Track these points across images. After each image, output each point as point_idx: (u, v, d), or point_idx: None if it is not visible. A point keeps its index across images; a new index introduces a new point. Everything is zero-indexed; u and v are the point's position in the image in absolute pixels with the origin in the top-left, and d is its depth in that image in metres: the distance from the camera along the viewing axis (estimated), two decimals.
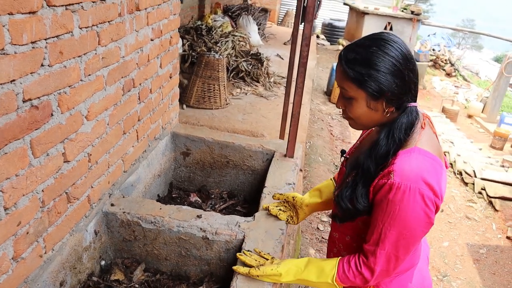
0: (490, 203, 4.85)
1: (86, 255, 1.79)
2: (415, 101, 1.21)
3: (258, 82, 5.00)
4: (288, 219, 1.80)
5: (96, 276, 1.86)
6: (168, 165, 2.71)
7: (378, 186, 1.16)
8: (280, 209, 1.82)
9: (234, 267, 1.52)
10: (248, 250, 1.63)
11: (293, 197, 1.74)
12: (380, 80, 1.12)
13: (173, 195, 2.70)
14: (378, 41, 1.14)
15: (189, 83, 4.04)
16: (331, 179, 1.72)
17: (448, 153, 6.06)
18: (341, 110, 1.27)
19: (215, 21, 6.39)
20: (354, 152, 1.45)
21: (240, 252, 1.62)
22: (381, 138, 1.18)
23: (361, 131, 1.52)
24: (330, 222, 1.55)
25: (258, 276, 1.45)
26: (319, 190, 1.70)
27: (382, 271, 1.21)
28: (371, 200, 1.20)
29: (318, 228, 3.74)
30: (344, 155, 1.49)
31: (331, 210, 1.53)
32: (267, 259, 1.55)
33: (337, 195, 1.29)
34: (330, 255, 1.58)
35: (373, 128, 1.37)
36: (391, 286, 1.37)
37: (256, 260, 1.53)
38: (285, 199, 1.80)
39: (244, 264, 1.54)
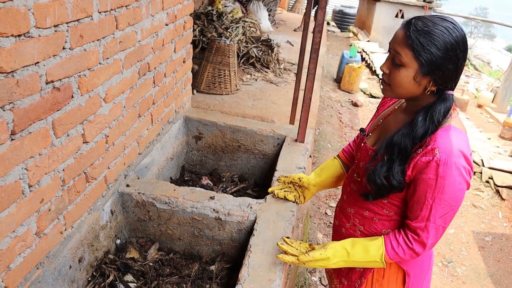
0: (497, 192, 4.86)
1: (102, 234, 1.85)
2: (453, 90, 1.26)
3: (268, 68, 5.00)
4: (295, 199, 1.87)
5: (112, 254, 1.93)
6: (181, 148, 2.76)
7: (421, 163, 1.21)
8: (285, 191, 1.89)
9: (278, 256, 1.46)
10: (287, 237, 1.57)
11: (299, 178, 1.81)
12: (437, 57, 1.16)
13: (185, 178, 2.75)
14: (448, 23, 1.17)
15: (200, 69, 4.06)
16: (334, 157, 1.77)
17: None
18: (381, 74, 1.31)
19: (225, 6, 6.36)
20: (377, 129, 1.46)
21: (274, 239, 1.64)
22: (419, 120, 1.23)
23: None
24: (344, 197, 1.54)
25: (306, 262, 1.42)
26: (325, 168, 1.76)
27: (432, 244, 1.28)
28: (411, 178, 1.26)
29: (326, 213, 3.79)
30: (364, 133, 1.51)
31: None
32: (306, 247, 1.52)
33: (372, 172, 1.31)
34: (340, 230, 1.57)
35: (395, 107, 1.43)
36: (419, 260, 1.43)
37: (297, 249, 1.49)
38: (291, 181, 1.87)
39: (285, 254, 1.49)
